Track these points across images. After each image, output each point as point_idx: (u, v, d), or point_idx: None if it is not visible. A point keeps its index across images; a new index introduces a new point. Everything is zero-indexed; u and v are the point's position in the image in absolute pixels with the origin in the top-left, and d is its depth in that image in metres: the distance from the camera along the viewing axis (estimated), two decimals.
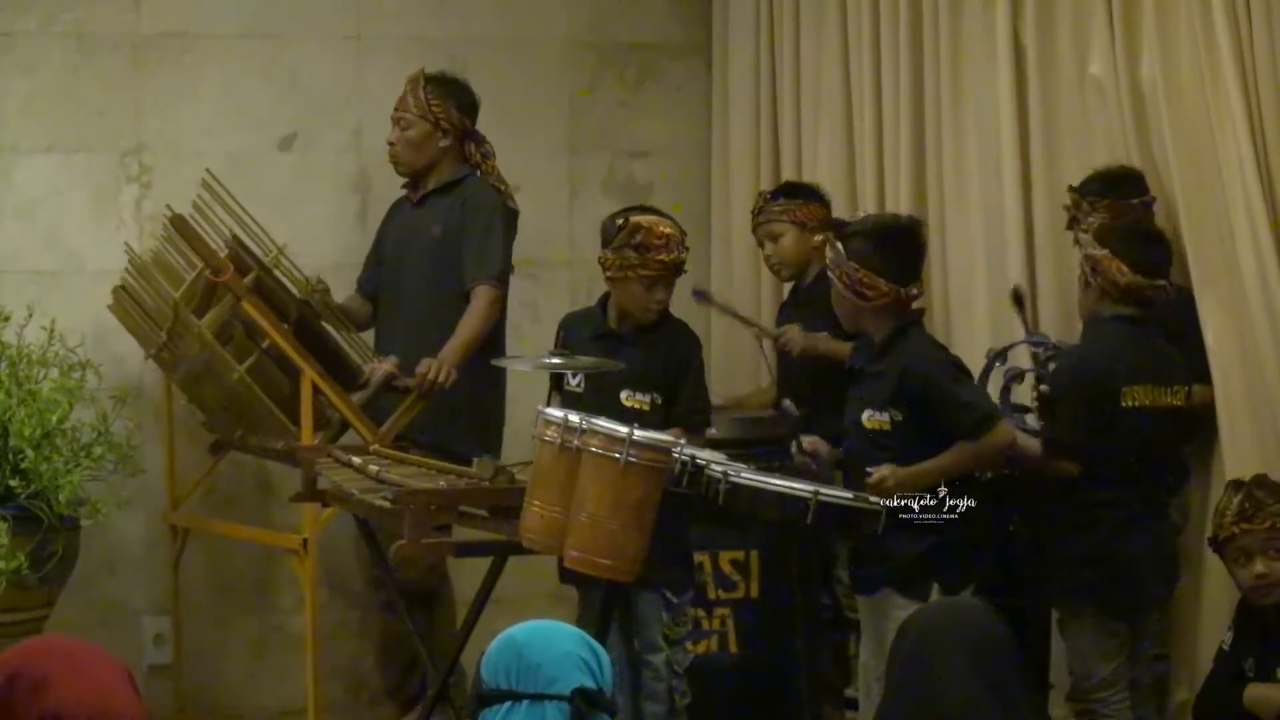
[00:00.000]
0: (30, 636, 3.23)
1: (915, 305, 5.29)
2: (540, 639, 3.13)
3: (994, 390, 5.51)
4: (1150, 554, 5.17)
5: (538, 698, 3.07)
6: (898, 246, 5.16)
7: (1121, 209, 5.46)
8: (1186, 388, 5.20)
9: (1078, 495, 5.10)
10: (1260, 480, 5.00)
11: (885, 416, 5.08)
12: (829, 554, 5.97)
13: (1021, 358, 5.59)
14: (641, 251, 5.38)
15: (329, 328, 6.21)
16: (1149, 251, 5.17)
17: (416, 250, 6.27)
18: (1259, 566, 4.96)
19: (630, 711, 5.40)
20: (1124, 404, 5.10)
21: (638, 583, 4.79)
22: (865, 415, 5.12)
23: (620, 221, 5.44)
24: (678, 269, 5.48)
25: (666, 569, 5.27)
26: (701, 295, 6.51)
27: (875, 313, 5.12)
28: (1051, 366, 5.41)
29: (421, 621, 5.87)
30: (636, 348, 5.48)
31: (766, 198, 6.33)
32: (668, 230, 5.43)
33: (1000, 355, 5.56)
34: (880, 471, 4.98)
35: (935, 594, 4.97)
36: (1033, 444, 5.17)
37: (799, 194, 6.33)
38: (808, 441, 5.34)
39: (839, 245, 5.16)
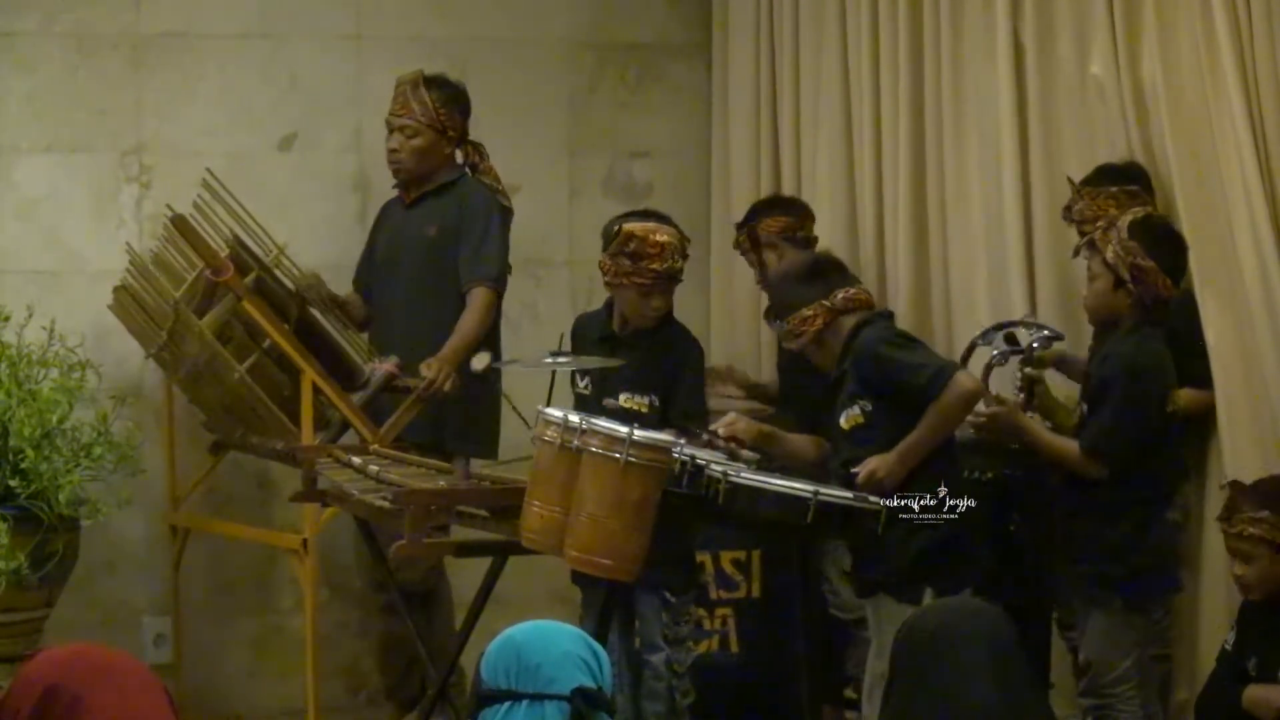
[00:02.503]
0: (69, 645, 3.16)
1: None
2: (540, 639, 3.13)
3: (977, 368, 5.53)
4: (1170, 546, 5.22)
5: (537, 697, 3.07)
6: (800, 278, 5.31)
7: (1101, 195, 5.46)
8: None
9: (1098, 492, 5.10)
10: (1238, 484, 4.99)
11: (857, 410, 5.12)
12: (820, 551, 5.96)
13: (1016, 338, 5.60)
14: (635, 260, 5.37)
15: (329, 327, 6.21)
16: (1181, 260, 5.19)
17: (412, 252, 6.25)
18: (1235, 569, 4.98)
19: (631, 711, 5.40)
20: (1167, 410, 5.12)
21: (638, 582, 4.79)
22: (842, 418, 5.16)
23: (616, 229, 5.43)
24: (673, 277, 5.45)
25: (666, 569, 5.27)
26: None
27: (823, 338, 5.20)
28: (1035, 345, 5.42)
29: (421, 621, 5.87)
30: (636, 350, 5.47)
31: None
32: (662, 238, 5.39)
33: (989, 333, 5.56)
34: (866, 467, 4.99)
35: (928, 598, 4.97)
36: (1067, 446, 5.15)
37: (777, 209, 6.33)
38: (723, 426, 5.28)
39: (775, 320, 5.35)
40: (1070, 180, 5.63)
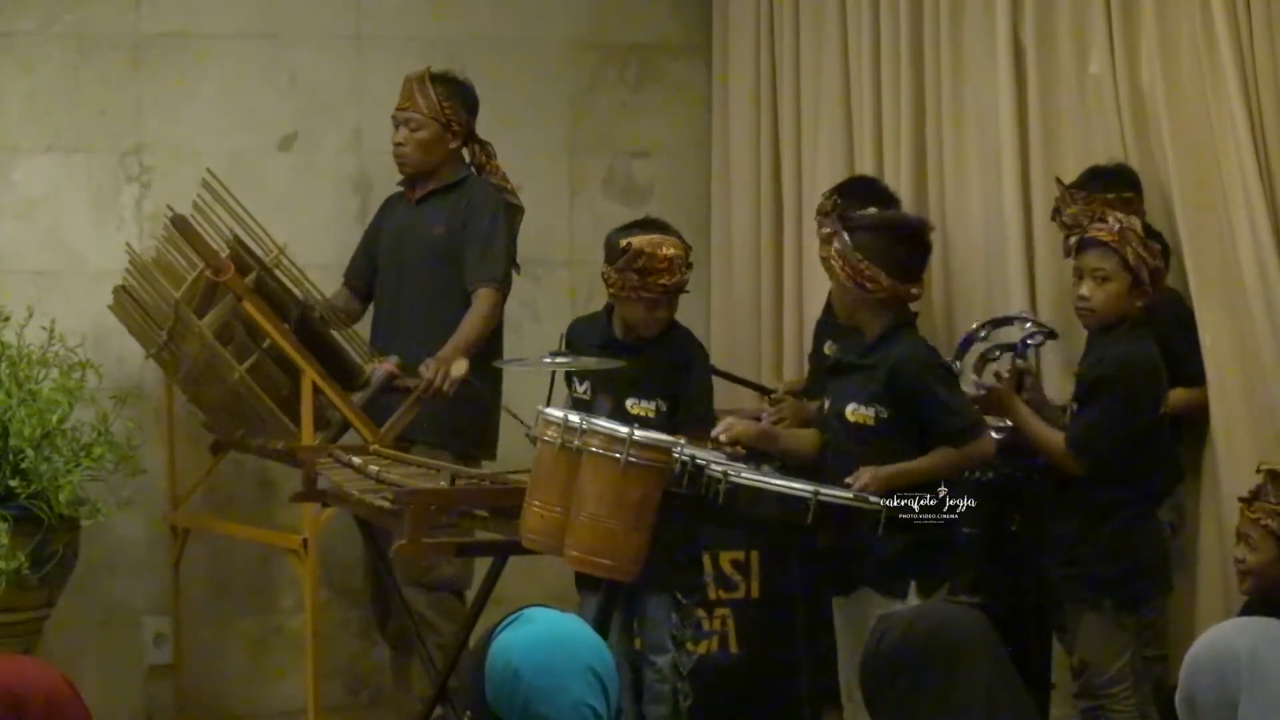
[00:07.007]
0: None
1: (912, 307, 5.28)
2: (548, 683, 3.05)
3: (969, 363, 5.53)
4: (1161, 547, 5.20)
5: None
6: (903, 244, 5.12)
7: (1098, 202, 5.46)
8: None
9: (1087, 493, 5.10)
10: (1276, 473, 4.96)
11: (871, 412, 5.04)
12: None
13: (1010, 336, 5.60)
14: (644, 275, 5.34)
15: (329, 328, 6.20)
16: (1168, 263, 5.20)
17: (417, 250, 6.25)
18: (1237, 551, 4.97)
19: (633, 713, 5.40)
20: (1160, 411, 5.11)
21: (649, 584, 4.78)
22: (850, 408, 5.06)
23: (623, 245, 5.38)
24: (680, 289, 5.44)
25: (679, 570, 5.28)
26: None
27: (873, 307, 5.06)
28: (1030, 341, 5.42)
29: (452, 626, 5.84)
30: (641, 356, 5.45)
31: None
32: (670, 252, 5.35)
33: (987, 325, 5.56)
34: (860, 479, 4.93)
35: (913, 593, 4.95)
36: (1053, 437, 5.15)
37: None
38: (723, 431, 5.24)
39: (845, 235, 5.08)
40: (1059, 181, 5.63)
